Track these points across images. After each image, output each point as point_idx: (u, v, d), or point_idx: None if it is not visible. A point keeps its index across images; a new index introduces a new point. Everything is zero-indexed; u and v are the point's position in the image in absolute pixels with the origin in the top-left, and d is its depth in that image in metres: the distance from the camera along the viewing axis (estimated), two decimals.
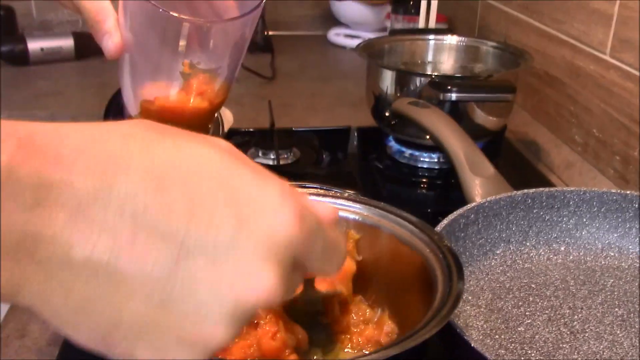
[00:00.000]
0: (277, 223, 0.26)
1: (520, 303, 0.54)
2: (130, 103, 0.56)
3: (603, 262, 0.60)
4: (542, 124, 0.99)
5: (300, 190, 0.31)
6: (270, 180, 0.28)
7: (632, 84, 0.77)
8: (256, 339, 0.47)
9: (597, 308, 0.54)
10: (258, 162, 0.85)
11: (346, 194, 0.51)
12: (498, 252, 0.60)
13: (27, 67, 1.30)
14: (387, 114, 0.86)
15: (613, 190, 0.61)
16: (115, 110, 0.61)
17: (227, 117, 0.70)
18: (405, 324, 0.48)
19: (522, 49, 0.90)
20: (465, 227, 0.57)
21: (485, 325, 0.52)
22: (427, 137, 0.82)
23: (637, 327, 0.51)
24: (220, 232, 0.25)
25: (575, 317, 0.53)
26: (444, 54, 0.96)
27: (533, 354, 0.49)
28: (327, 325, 0.50)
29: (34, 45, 1.30)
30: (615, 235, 0.61)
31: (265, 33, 1.41)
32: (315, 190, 0.52)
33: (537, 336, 0.50)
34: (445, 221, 0.55)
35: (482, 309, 0.54)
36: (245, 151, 0.87)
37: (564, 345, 0.49)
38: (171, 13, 0.47)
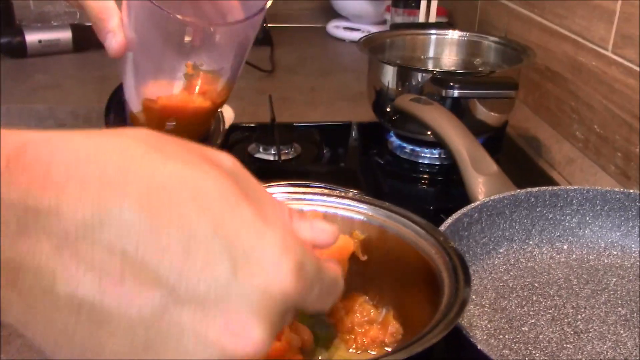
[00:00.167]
0: (273, 278, 0.25)
1: (523, 302, 0.54)
2: (132, 100, 0.56)
3: (606, 261, 0.60)
4: (544, 119, 0.99)
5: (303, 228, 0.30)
6: (272, 225, 0.26)
7: (634, 81, 0.76)
8: None
9: (600, 307, 0.54)
10: (259, 158, 0.84)
11: (350, 194, 0.51)
12: (501, 250, 0.60)
13: (25, 60, 1.29)
14: (388, 110, 0.86)
15: (616, 189, 0.61)
16: (116, 105, 0.61)
17: (228, 114, 0.70)
18: (410, 325, 0.48)
19: (524, 45, 0.89)
20: (468, 226, 0.57)
21: (489, 325, 0.52)
22: (429, 133, 0.82)
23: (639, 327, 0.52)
24: (214, 282, 0.24)
25: (579, 316, 0.53)
26: (445, 49, 0.96)
27: (537, 354, 0.49)
28: (331, 325, 0.50)
29: (32, 37, 1.29)
30: (618, 233, 0.61)
31: (265, 25, 1.41)
32: (320, 189, 0.52)
33: (541, 336, 0.51)
34: (449, 220, 0.55)
35: (486, 309, 0.54)
36: (245, 147, 0.87)
37: (568, 345, 0.50)
38: (175, 15, 0.47)
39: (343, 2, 1.48)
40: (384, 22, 1.45)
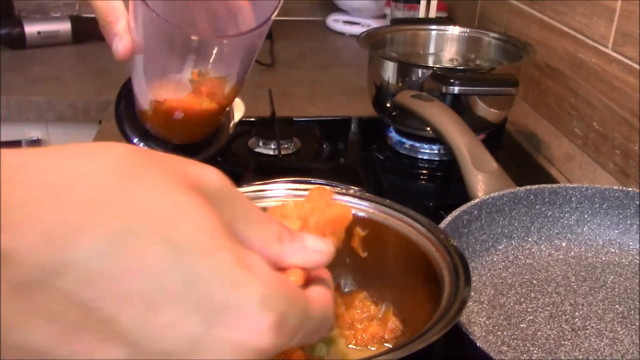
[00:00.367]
0: (250, 335, 0.23)
1: (522, 299, 0.55)
2: (141, 98, 0.56)
3: (604, 259, 0.60)
4: (543, 116, 0.99)
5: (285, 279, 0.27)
6: (252, 274, 0.24)
7: (634, 78, 0.77)
8: None
9: (598, 305, 0.54)
10: (258, 152, 0.84)
11: (352, 191, 0.52)
12: (500, 247, 0.60)
13: (24, 51, 1.29)
14: (388, 105, 0.86)
15: (615, 187, 0.61)
16: (127, 95, 0.61)
17: (238, 107, 0.70)
18: (410, 321, 0.48)
19: (524, 41, 0.90)
20: (468, 223, 0.58)
21: (487, 322, 0.52)
22: (429, 129, 0.82)
23: (637, 324, 0.52)
24: (182, 339, 0.22)
25: (577, 313, 0.53)
26: (446, 44, 0.96)
27: (535, 351, 0.49)
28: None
29: (31, 28, 1.29)
30: (616, 231, 0.62)
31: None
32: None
33: (539, 333, 0.51)
34: (449, 218, 0.55)
35: (484, 305, 0.54)
36: (245, 141, 0.87)
37: (566, 342, 0.50)
38: (180, 27, 0.47)
39: None
40: (383, 16, 1.45)
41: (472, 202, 0.58)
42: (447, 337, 0.48)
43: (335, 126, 0.95)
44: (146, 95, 0.54)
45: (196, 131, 0.60)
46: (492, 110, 0.83)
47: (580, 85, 0.89)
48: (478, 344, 0.43)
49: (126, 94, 0.61)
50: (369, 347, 0.48)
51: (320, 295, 0.29)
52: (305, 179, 0.53)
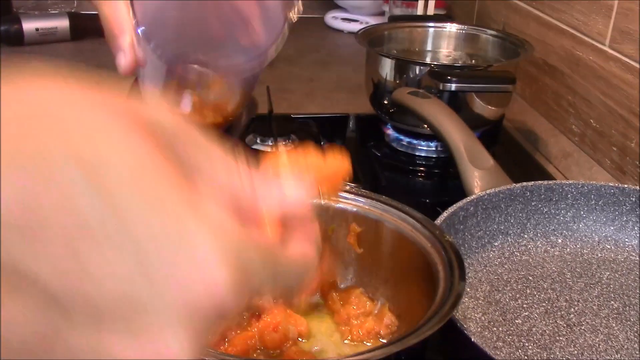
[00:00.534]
0: (198, 282, 0.19)
1: (517, 295, 0.55)
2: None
3: (600, 255, 0.61)
4: (540, 113, 0.99)
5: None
6: (200, 211, 0.20)
7: (632, 76, 0.77)
8: (258, 331, 0.47)
9: (593, 301, 0.55)
10: (256, 149, 0.84)
11: (348, 187, 0.52)
12: (496, 244, 0.61)
13: (22, 48, 1.29)
14: (385, 102, 0.86)
15: (611, 184, 0.62)
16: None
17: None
18: (406, 317, 0.48)
19: (522, 38, 0.90)
20: (464, 220, 0.58)
21: (483, 318, 0.52)
22: (426, 126, 0.82)
23: (632, 320, 0.52)
24: (118, 295, 0.18)
25: (572, 309, 0.53)
26: (443, 41, 0.96)
27: (530, 347, 0.49)
28: (328, 317, 0.50)
29: (29, 25, 1.29)
30: (612, 228, 0.62)
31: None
32: None
33: (534, 329, 0.51)
34: (445, 214, 0.56)
35: (480, 301, 0.54)
36: (243, 138, 0.87)
37: (561, 338, 0.50)
38: (176, 63, 0.47)
39: None
40: (382, 13, 1.45)
41: (468, 199, 0.58)
42: (442, 333, 0.48)
43: (333, 123, 0.96)
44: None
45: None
46: (490, 107, 0.84)
47: (577, 82, 0.89)
48: (473, 340, 0.43)
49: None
50: (365, 342, 0.48)
51: (299, 246, 0.26)
52: None
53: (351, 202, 0.51)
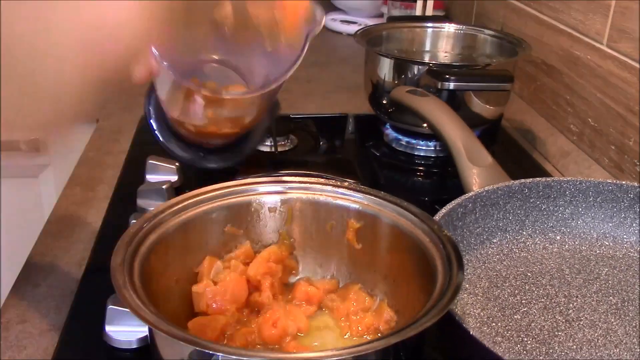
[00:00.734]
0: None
1: (516, 291, 0.55)
2: (164, 107, 0.55)
3: (598, 252, 0.61)
4: (539, 112, 0.99)
5: None
6: None
7: (629, 74, 0.77)
8: (257, 326, 0.47)
9: (591, 296, 0.55)
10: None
11: (346, 183, 0.52)
12: (495, 240, 0.61)
13: None
14: (384, 102, 0.87)
15: (609, 181, 0.62)
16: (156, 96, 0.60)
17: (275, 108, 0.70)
18: (405, 312, 0.49)
19: (520, 38, 0.90)
20: (463, 216, 0.58)
21: (482, 313, 0.52)
22: (425, 125, 0.83)
23: (631, 315, 0.52)
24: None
25: (571, 305, 0.54)
26: (442, 41, 0.96)
27: (529, 342, 0.49)
28: (327, 313, 0.50)
29: None
30: (610, 224, 0.62)
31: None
32: (316, 179, 0.52)
33: (533, 324, 0.51)
34: (443, 210, 0.56)
35: (479, 297, 0.54)
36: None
37: (559, 333, 0.50)
38: (190, 84, 0.47)
39: None
40: (381, 15, 1.45)
41: (467, 195, 0.58)
42: (440, 327, 0.48)
43: (332, 123, 0.96)
44: (167, 110, 0.54)
45: (219, 139, 0.59)
46: (488, 106, 0.84)
47: (575, 81, 0.89)
48: (472, 333, 0.43)
49: (153, 97, 0.59)
50: (364, 337, 0.48)
51: None
52: (301, 172, 0.54)
53: (349, 198, 0.51)
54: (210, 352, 0.36)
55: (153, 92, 0.60)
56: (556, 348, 0.49)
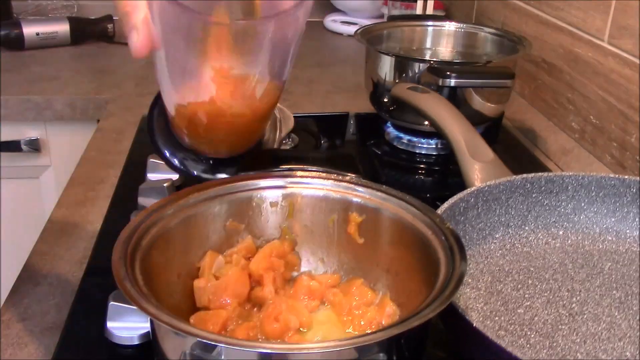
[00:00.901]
0: None
1: (519, 286, 0.55)
2: (167, 101, 0.52)
3: (601, 246, 0.60)
4: (540, 111, 0.99)
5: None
6: None
7: (631, 71, 0.77)
8: (259, 321, 0.47)
9: (595, 291, 0.54)
10: None
11: (348, 177, 0.52)
12: (497, 236, 0.60)
13: (23, 52, 1.29)
14: (385, 100, 0.87)
15: (611, 175, 0.62)
16: (160, 107, 0.56)
17: (286, 119, 0.67)
18: (407, 306, 0.48)
19: (520, 36, 0.90)
20: (465, 211, 0.58)
21: (485, 308, 0.52)
22: (426, 122, 0.82)
23: (635, 309, 0.52)
24: None
25: (574, 299, 0.53)
26: (442, 40, 0.96)
27: (532, 335, 0.49)
28: (329, 308, 0.50)
29: (30, 30, 1.29)
30: (613, 219, 0.62)
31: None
32: (317, 173, 0.52)
33: (536, 318, 0.51)
34: (445, 205, 0.56)
35: (481, 292, 0.54)
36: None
37: (563, 327, 0.50)
38: (187, 9, 0.41)
39: None
40: (381, 16, 1.45)
41: (469, 190, 0.58)
42: (445, 322, 0.48)
43: (333, 122, 0.96)
44: (170, 98, 0.50)
45: (231, 142, 0.55)
46: (489, 104, 0.84)
47: (576, 79, 0.89)
48: (476, 326, 0.43)
49: (159, 103, 0.56)
50: (367, 331, 0.48)
51: None
52: (302, 166, 0.53)
53: (351, 192, 0.51)
54: (213, 343, 0.36)
55: (155, 108, 0.58)
56: (560, 341, 0.49)
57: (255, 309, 0.49)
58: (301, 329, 0.48)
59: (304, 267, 0.53)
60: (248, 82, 0.47)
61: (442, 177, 0.85)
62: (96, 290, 0.59)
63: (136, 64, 1.19)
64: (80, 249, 0.67)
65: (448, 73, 0.75)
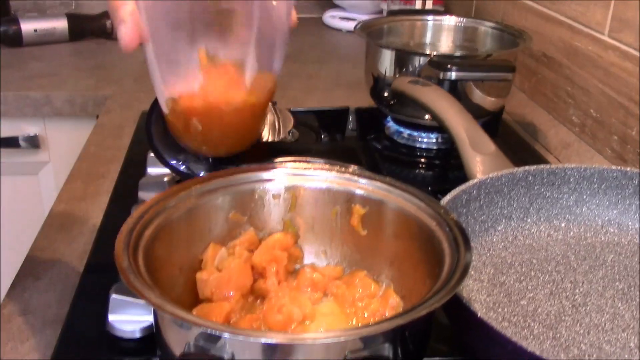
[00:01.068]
0: None
1: (522, 278, 0.55)
2: (160, 100, 0.51)
3: (603, 238, 0.60)
4: (540, 105, 0.99)
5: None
6: None
7: (631, 64, 0.77)
8: (262, 313, 0.47)
9: (598, 282, 0.54)
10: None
11: (351, 169, 0.51)
12: (499, 228, 0.60)
13: (21, 49, 1.29)
14: (386, 94, 0.86)
15: (613, 167, 0.62)
16: (158, 111, 0.55)
17: (286, 120, 0.66)
18: (411, 298, 0.48)
19: (520, 29, 0.90)
20: (467, 203, 0.58)
21: (488, 299, 0.52)
22: (426, 116, 0.82)
23: (638, 300, 0.52)
24: None
25: (577, 290, 0.53)
26: (442, 34, 0.96)
27: (536, 326, 0.49)
28: (332, 300, 0.50)
29: (28, 26, 1.29)
30: (615, 211, 0.62)
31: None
32: (320, 165, 0.52)
33: (539, 309, 0.51)
34: (447, 197, 0.56)
35: (484, 284, 0.54)
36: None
37: (566, 318, 0.50)
38: None
39: None
40: (380, 12, 1.45)
41: (471, 182, 0.58)
42: (449, 313, 0.48)
43: (333, 116, 0.96)
44: (162, 94, 0.49)
45: (227, 140, 0.54)
46: (489, 98, 0.84)
47: (576, 73, 0.89)
48: (480, 317, 0.43)
49: (156, 109, 0.56)
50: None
51: None
52: (304, 158, 0.53)
53: (354, 183, 0.51)
54: (219, 333, 0.36)
55: (152, 114, 0.58)
56: (563, 332, 0.48)
57: (258, 301, 0.49)
58: (305, 322, 0.47)
59: (306, 260, 0.53)
60: (236, 69, 0.47)
61: (443, 172, 0.85)
62: (97, 284, 0.58)
63: (135, 60, 1.18)
64: (81, 243, 0.67)
65: (449, 66, 0.75)
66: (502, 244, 0.59)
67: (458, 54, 0.94)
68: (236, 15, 0.46)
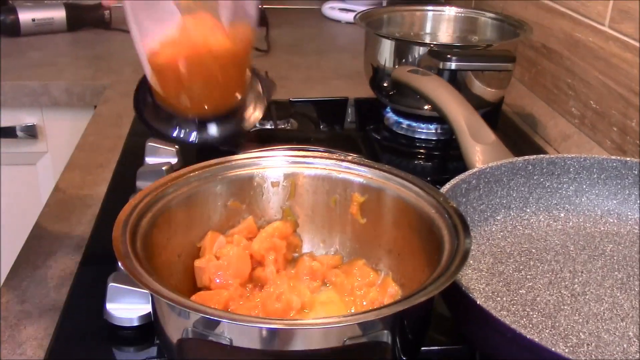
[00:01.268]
0: None
1: (521, 267, 0.55)
2: (143, 59, 0.52)
3: (602, 228, 0.60)
4: (539, 96, 0.99)
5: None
6: None
7: (632, 55, 0.77)
8: (261, 301, 0.47)
9: (597, 272, 0.54)
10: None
11: (350, 157, 0.51)
12: (499, 217, 0.60)
13: (19, 38, 1.28)
14: (385, 85, 0.86)
15: (613, 157, 0.61)
16: (145, 85, 0.58)
17: (270, 85, 0.67)
18: (410, 286, 0.48)
19: (520, 20, 0.90)
20: (466, 193, 0.58)
21: (487, 288, 0.52)
22: (426, 107, 0.82)
23: (636, 289, 0.52)
24: None
25: (576, 280, 0.53)
26: (442, 24, 0.96)
27: (534, 315, 0.49)
28: (331, 288, 0.50)
29: (25, 15, 1.28)
30: (615, 201, 0.62)
31: (259, 6, 1.40)
32: (319, 153, 0.52)
33: (538, 298, 0.51)
34: (447, 186, 0.55)
35: (483, 273, 0.54)
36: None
37: (565, 307, 0.50)
38: None
39: None
40: (379, 3, 1.45)
41: (471, 171, 0.58)
42: (448, 300, 0.48)
43: (332, 107, 0.95)
44: (143, 49, 0.51)
45: (211, 94, 0.55)
46: (489, 88, 0.83)
47: (576, 64, 0.89)
48: (479, 304, 0.43)
49: (143, 86, 0.58)
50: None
51: None
52: (304, 146, 0.53)
53: (353, 171, 0.51)
54: (217, 319, 0.36)
55: (140, 90, 0.59)
56: (562, 321, 0.48)
57: (256, 289, 0.49)
58: (304, 310, 0.47)
59: (305, 248, 0.53)
60: (213, 16, 0.49)
61: (442, 162, 0.84)
62: (95, 272, 0.58)
63: (133, 50, 1.18)
64: (79, 232, 0.67)
65: (449, 56, 0.74)
66: (502, 233, 0.59)
67: (458, 44, 0.94)
68: None
